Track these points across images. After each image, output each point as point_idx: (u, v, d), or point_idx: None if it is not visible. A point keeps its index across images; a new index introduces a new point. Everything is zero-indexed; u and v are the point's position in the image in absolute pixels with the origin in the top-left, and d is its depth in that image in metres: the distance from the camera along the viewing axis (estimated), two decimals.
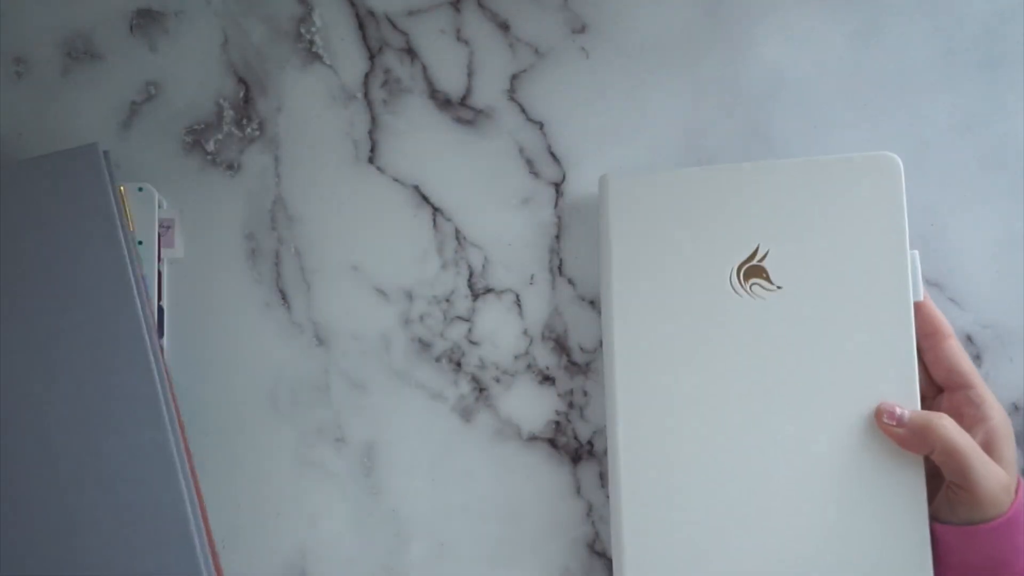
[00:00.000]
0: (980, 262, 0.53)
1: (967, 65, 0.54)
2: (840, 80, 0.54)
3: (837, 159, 0.49)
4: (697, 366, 0.48)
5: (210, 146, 0.54)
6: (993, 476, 0.45)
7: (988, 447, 0.46)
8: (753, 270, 0.49)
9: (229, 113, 0.54)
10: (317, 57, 0.55)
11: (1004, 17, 0.54)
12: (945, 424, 0.46)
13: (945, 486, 0.47)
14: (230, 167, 0.54)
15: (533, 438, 0.52)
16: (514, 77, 0.55)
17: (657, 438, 0.48)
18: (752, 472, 0.48)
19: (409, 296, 0.54)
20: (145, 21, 0.55)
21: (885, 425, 0.47)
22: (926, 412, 0.47)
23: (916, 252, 0.48)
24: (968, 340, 0.53)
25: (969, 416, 0.48)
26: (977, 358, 0.53)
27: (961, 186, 0.54)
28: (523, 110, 0.54)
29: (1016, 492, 0.46)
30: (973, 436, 0.46)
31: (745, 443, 0.48)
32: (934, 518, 0.47)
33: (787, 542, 0.47)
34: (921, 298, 0.48)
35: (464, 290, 0.54)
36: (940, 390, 0.49)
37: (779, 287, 0.48)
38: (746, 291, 0.48)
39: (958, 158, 0.54)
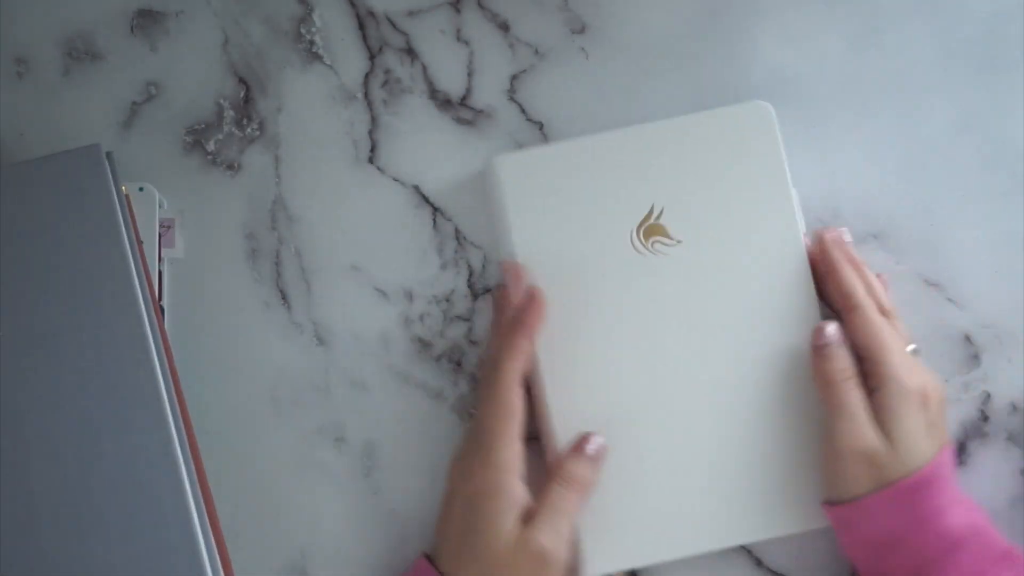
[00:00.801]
0: (980, 262, 0.53)
1: (967, 65, 0.54)
2: (840, 80, 0.54)
3: (713, 113, 0.51)
4: (612, 328, 0.50)
5: (210, 146, 0.54)
6: (849, 434, 0.46)
7: (876, 419, 0.46)
8: (652, 228, 0.50)
9: (229, 113, 0.54)
10: (317, 57, 0.55)
11: (1004, 17, 0.54)
12: (839, 367, 0.47)
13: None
14: (230, 167, 0.54)
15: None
16: (514, 77, 0.55)
17: (586, 407, 0.50)
18: (673, 421, 0.49)
19: (409, 296, 0.54)
20: (145, 21, 0.55)
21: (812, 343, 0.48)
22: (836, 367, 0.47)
23: (795, 190, 0.51)
24: (968, 340, 0.53)
25: (868, 387, 0.47)
26: (976, 358, 0.53)
27: (961, 186, 0.54)
28: (523, 110, 0.54)
29: (907, 477, 0.45)
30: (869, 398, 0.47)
31: (668, 391, 0.50)
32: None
33: (713, 483, 0.49)
34: (804, 230, 0.50)
35: (464, 290, 0.54)
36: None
37: (679, 241, 0.50)
38: (648, 249, 0.50)
39: (958, 158, 0.54)
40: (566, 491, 0.47)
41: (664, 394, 0.50)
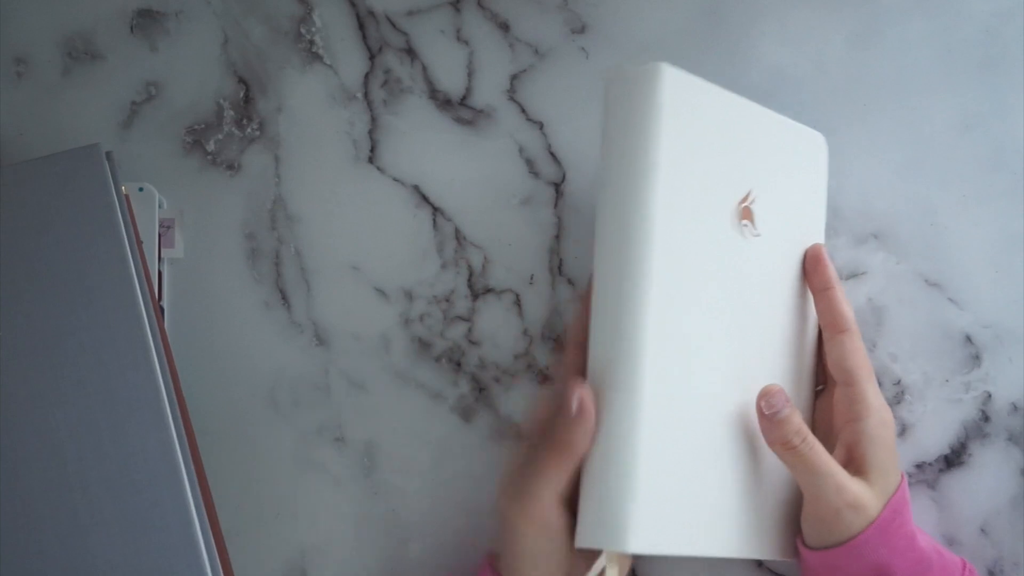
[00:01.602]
0: (980, 262, 0.53)
1: (967, 65, 0.54)
2: (840, 80, 0.54)
3: (799, 126, 0.50)
4: (687, 297, 0.45)
5: (210, 146, 0.54)
6: (835, 493, 0.44)
7: (852, 450, 0.46)
8: (746, 212, 0.48)
9: (229, 113, 0.54)
10: (317, 57, 0.55)
11: (1004, 17, 0.54)
12: (796, 430, 0.45)
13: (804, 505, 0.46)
14: (230, 167, 0.54)
15: None
16: (514, 77, 0.55)
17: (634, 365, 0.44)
18: (718, 412, 0.46)
19: (409, 296, 0.54)
20: (145, 21, 0.55)
21: (759, 409, 0.46)
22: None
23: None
24: (968, 340, 0.53)
25: (842, 414, 0.47)
26: (977, 358, 0.53)
27: (961, 186, 0.54)
28: (523, 110, 0.54)
29: (885, 507, 0.45)
30: (839, 434, 0.47)
31: (723, 382, 0.46)
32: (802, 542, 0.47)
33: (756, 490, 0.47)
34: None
35: (464, 290, 0.54)
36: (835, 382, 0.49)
37: (758, 235, 0.48)
38: (740, 231, 0.47)
39: (958, 158, 0.54)
40: (547, 452, 0.43)
41: (717, 385, 0.46)
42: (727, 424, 0.46)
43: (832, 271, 0.49)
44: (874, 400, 0.47)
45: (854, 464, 0.46)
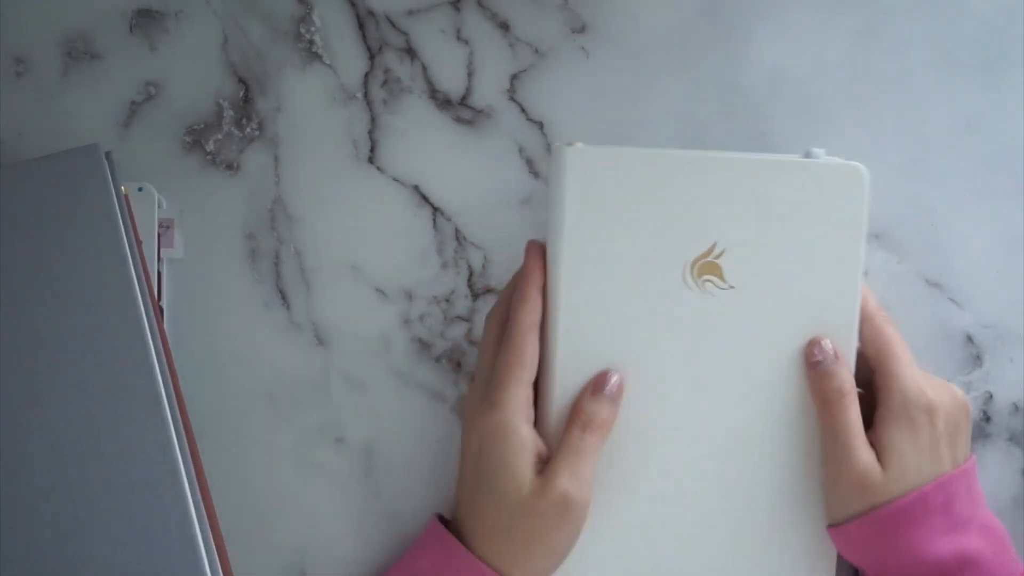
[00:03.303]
0: (980, 262, 0.53)
1: (967, 65, 0.54)
2: (840, 80, 0.54)
3: (805, 163, 0.47)
4: (639, 357, 0.47)
5: (210, 146, 0.54)
6: (848, 466, 0.44)
7: (874, 431, 0.45)
8: (708, 267, 0.47)
9: (229, 113, 0.54)
10: (317, 57, 0.55)
11: (1004, 17, 0.54)
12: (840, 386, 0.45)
13: None
14: (230, 167, 0.54)
15: None
16: (514, 77, 0.55)
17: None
18: (693, 461, 0.47)
19: (409, 296, 0.53)
20: (145, 21, 0.55)
21: (808, 355, 0.46)
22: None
23: (862, 268, 0.47)
24: (968, 340, 0.53)
25: (875, 394, 0.47)
26: (977, 358, 0.53)
27: (961, 186, 0.54)
28: (523, 110, 0.54)
29: (905, 495, 0.44)
30: (872, 412, 0.46)
31: (683, 433, 0.47)
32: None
33: (730, 526, 0.48)
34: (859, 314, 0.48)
35: (464, 290, 0.54)
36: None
37: (731, 287, 0.47)
38: (697, 286, 0.47)
39: (958, 158, 0.54)
40: (585, 432, 0.45)
41: (677, 434, 0.47)
42: (699, 487, 0.47)
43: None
44: (898, 382, 0.45)
45: (877, 446, 0.45)
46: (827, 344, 0.46)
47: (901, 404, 0.45)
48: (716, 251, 0.47)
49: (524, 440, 0.44)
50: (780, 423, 0.47)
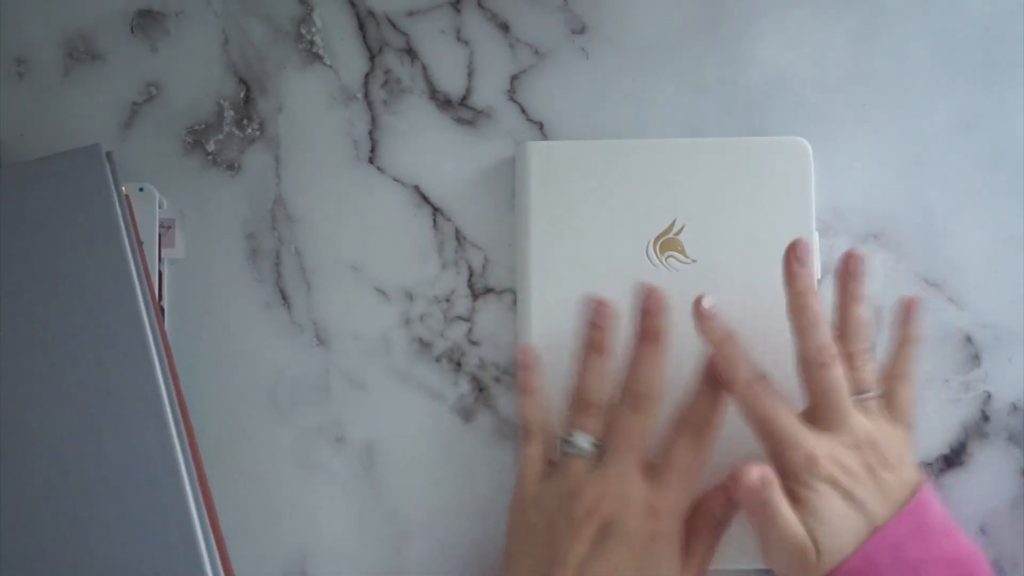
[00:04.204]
0: (980, 262, 0.53)
1: (967, 65, 0.54)
2: (840, 80, 0.54)
3: (750, 140, 0.52)
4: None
5: (210, 146, 0.54)
6: (787, 549, 0.42)
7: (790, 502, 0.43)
8: (669, 243, 0.51)
9: (229, 113, 0.54)
10: (317, 57, 0.55)
11: (1003, 18, 0.54)
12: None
13: None
14: (230, 167, 0.54)
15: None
16: (514, 77, 0.55)
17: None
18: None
19: (409, 296, 0.54)
20: (145, 21, 0.55)
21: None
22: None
23: (817, 234, 0.51)
24: (968, 340, 0.53)
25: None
26: (976, 358, 0.53)
27: (961, 186, 0.54)
28: (523, 110, 0.54)
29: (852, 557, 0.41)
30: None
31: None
32: None
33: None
34: (819, 276, 0.50)
35: (464, 290, 0.54)
36: None
37: (693, 260, 0.51)
38: (662, 263, 0.51)
39: (958, 158, 0.54)
40: (714, 529, 0.45)
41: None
42: None
43: (855, 284, 0.47)
44: (780, 444, 0.43)
45: (801, 520, 0.43)
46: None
47: (792, 472, 0.43)
48: (676, 228, 0.51)
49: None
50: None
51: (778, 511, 0.42)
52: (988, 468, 0.52)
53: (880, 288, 0.53)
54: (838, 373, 0.44)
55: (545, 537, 0.44)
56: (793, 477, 0.43)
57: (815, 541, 0.42)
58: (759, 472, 0.42)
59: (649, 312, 0.46)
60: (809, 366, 0.45)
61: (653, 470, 0.44)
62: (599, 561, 0.42)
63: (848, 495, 0.42)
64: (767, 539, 0.43)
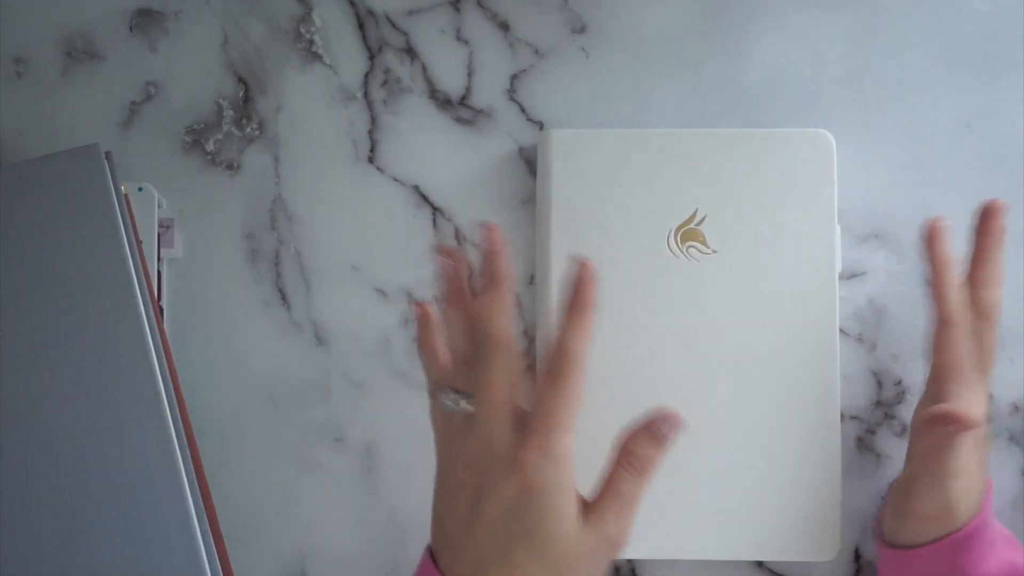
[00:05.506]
0: None
1: (967, 65, 0.54)
2: (840, 80, 0.54)
3: (773, 132, 0.51)
4: (631, 323, 0.50)
5: (210, 146, 0.54)
6: (928, 507, 0.45)
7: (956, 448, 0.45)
8: (690, 233, 0.51)
9: (229, 113, 0.54)
10: (317, 57, 0.55)
11: (1004, 17, 0.54)
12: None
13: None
14: (230, 167, 0.54)
15: None
16: (514, 77, 0.55)
17: (592, 393, 0.46)
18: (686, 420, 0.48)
19: (409, 296, 0.53)
20: (145, 21, 0.55)
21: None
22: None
23: (839, 227, 0.51)
24: None
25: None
26: None
27: (961, 186, 0.54)
28: (523, 110, 0.54)
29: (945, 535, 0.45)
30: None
31: (681, 397, 0.49)
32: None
33: (724, 496, 0.50)
34: (840, 269, 0.51)
35: None
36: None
37: (714, 251, 0.51)
38: (683, 252, 0.51)
39: (959, 158, 0.54)
40: (636, 477, 0.41)
41: (676, 398, 0.47)
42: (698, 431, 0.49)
43: (996, 233, 0.48)
44: (963, 402, 0.45)
45: (958, 471, 0.45)
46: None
47: (959, 422, 0.45)
48: (697, 218, 0.51)
49: (576, 491, 0.40)
50: (767, 378, 0.50)
51: (972, 451, 0.45)
52: (989, 468, 0.52)
53: (880, 288, 0.53)
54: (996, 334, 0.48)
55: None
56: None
57: (952, 499, 0.45)
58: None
59: (488, 255, 0.43)
60: (985, 320, 0.47)
61: (524, 418, 0.41)
62: (478, 524, 0.40)
63: (982, 459, 0.46)
64: (936, 475, 0.45)
